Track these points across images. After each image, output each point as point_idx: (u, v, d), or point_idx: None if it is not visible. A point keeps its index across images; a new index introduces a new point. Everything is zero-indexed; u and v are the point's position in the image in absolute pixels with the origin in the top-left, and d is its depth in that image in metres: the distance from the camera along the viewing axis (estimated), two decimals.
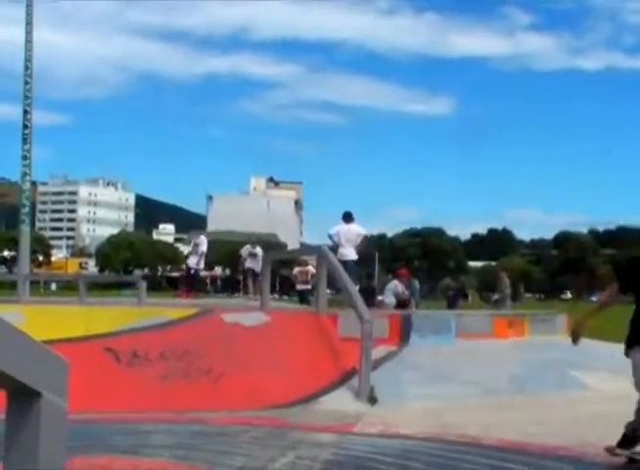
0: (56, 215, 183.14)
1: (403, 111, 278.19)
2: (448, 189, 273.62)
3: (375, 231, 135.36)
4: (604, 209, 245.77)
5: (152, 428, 6.69)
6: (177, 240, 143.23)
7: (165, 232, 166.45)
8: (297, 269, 24.00)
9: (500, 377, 9.17)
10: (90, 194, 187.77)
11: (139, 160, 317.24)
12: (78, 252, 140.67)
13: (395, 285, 21.88)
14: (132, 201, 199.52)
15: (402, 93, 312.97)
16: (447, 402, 8.10)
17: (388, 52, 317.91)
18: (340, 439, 6.34)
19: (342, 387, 8.43)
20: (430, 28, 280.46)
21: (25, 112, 24.96)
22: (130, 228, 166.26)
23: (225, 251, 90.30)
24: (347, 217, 15.95)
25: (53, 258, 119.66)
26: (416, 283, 27.05)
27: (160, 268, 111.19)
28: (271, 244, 73.36)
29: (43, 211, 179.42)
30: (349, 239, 15.46)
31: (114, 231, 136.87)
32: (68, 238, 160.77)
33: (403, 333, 10.18)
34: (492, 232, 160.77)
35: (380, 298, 22.15)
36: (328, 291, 11.68)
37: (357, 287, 13.18)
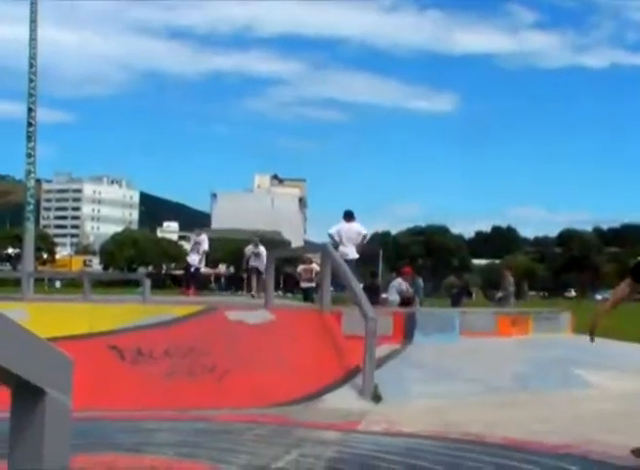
0: (60, 213, 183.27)
1: (407, 108, 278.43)
2: (452, 186, 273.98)
3: (379, 229, 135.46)
4: (608, 206, 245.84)
5: (156, 426, 6.69)
6: (181, 238, 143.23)
7: (170, 230, 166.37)
8: (301, 267, 24.01)
9: (504, 375, 9.17)
10: (94, 192, 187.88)
11: (143, 157, 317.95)
12: (82, 249, 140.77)
13: (399, 283, 21.87)
14: (136, 198, 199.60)
15: (405, 90, 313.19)
16: (451, 400, 8.10)
17: (391, 49, 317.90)
18: (344, 437, 6.34)
19: (346, 385, 8.43)
20: (433, 25, 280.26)
21: (30, 109, 24.98)
22: (134, 226, 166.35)
23: (229, 248, 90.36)
24: (348, 216, 15.92)
25: (57, 256, 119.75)
26: (420, 281, 27.05)
27: (164, 266, 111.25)
28: (275, 242, 73.38)
29: (47, 209, 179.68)
30: (350, 237, 15.44)
31: (119, 229, 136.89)
32: (73, 236, 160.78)
33: (407, 331, 10.18)
34: (496, 230, 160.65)
35: (384, 296, 22.14)
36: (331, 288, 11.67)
37: (361, 285, 13.18)
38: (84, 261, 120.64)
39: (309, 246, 30.53)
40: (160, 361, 8.49)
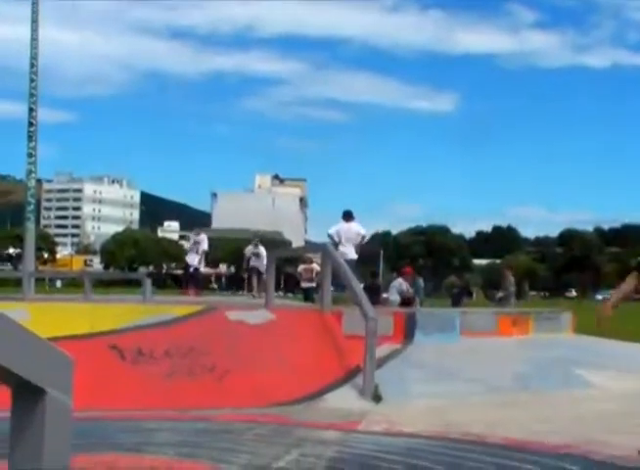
0: (61, 213, 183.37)
1: (407, 107, 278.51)
2: (453, 186, 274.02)
3: (379, 228, 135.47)
4: (609, 206, 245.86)
5: (156, 425, 6.69)
6: (182, 237, 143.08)
7: (170, 229, 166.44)
8: (301, 267, 24.02)
9: (504, 375, 9.17)
10: (95, 191, 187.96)
11: (144, 157, 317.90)
12: (83, 249, 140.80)
13: (400, 283, 21.89)
14: (137, 198, 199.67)
15: (406, 90, 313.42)
16: (452, 400, 8.10)
17: (392, 49, 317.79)
18: (344, 437, 6.34)
19: (347, 385, 8.43)
20: (434, 25, 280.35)
21: (31, 109, 25.00)
22: (135, 226, 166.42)
23: (230, 248, 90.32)
24: (347, 216, 15.96)
25: (58, 256, 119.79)
26: (420, 281, 27.07)
27: (164, 266, 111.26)
28: (276, 241, 73.35)
29: (48, 209, 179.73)
30: (349, 238, 15.47)
31: (119, 229, 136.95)
32: (73, 235, 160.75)
33: (408, 331, 10.18)
34: (497, 230, 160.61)
35: (384, 295, 22.16)
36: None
37: (362, 285, 13.18)
38: (85, 261, 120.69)
39: (310, 246, 30.51)
40: (160, 361, 8.49)
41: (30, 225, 25.58)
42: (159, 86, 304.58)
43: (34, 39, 24.93)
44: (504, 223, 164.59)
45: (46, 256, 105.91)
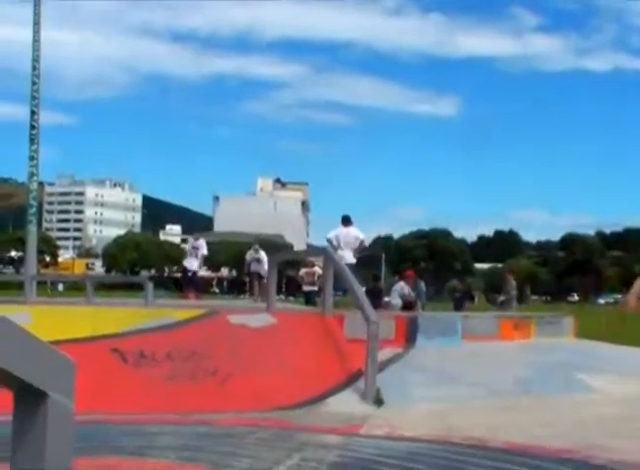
0: (63, 216, 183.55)
1: (409, 111, 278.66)
2: (454, 190, 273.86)
3: (381, 232, 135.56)
4: (611, 210, 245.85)
5: (158, 429, 6.70)
6: (184, 241, 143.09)
7: (172, 233, 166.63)
8: (303, 270, 24.02)
9: (506, 379, 9.17)
10: (97, 195, 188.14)
11: (146, 160, 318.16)
12: (85, 252, 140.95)
13: (402, 286, 21.91)
14: (139, 202, 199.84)
15: (408, 93, 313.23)
16: (453, 404, 8.09)
17: (394, 52, 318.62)
18: (346, 441, 6.34)
19: (349, 388, 8.43)
20: (436, 29, 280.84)
21: (33, 112, 25.02)
22: (137, 229, 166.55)
23: (232, 252, 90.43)
24: (346, 221, 16.12)
25: (60, 259, 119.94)
26: (422, 285, 27.06)
27: (166, 269, 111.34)
28: (277, 245, 73.38)
29: (50, 212, 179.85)
30: (348, 242, 15.58)
31: (121, 232, 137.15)
32: (75, 239, 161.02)
33: (409, 335, 10.18)
34: (499, 234, 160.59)
35: (386, 299, 22.17)
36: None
37: (364, 289, 13.19)
38: (87, 264, 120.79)
39: (312, 249, 30.51)
40: (162, 365, 8.49)
41: (32, 228, 25.59)
42: (160, 89, 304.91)
43: (36, 41, 24.94)
44: (506, 227, 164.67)
45: (48, 259, 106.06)
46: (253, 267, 23.03)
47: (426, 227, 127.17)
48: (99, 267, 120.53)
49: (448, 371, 9.28)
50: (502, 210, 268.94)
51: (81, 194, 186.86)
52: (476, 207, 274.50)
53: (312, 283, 22.47)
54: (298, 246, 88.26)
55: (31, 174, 25.26)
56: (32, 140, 24.92)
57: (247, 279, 27.60)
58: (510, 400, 8.38)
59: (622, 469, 5.31)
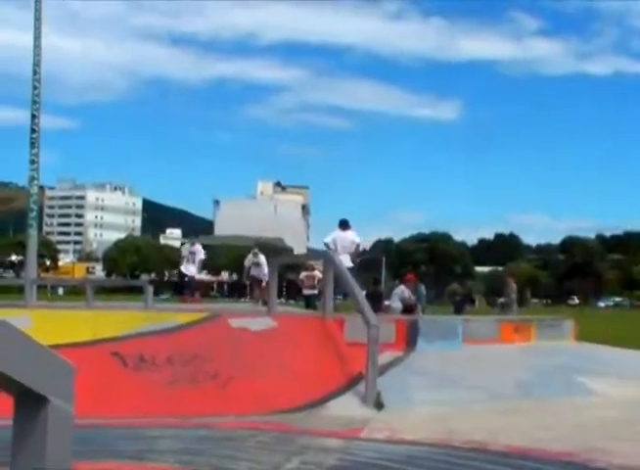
0: (63, 220, 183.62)
1: (410, 115, 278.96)
2: (455, 193, 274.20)
3: (382, 235, 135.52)
4: (611, 214, 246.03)
5: (158, 433, 6.69)
6: (184, 245, 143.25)
7: (172, 237, 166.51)
8: (303, 274, 24.04)
9: (507, 382, 9.16)
10: (97, 198, 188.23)
11: (146, 164, 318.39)
12: (85, 256, 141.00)
13: (402, 290, 21.91)
14: (139, 205, 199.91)
15: (409, 97, 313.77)
16: (454, 408, 8.09)
17: (395, 56, 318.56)
18: (346, 444, 6.33)
19: (349, 392, 8.42)
20: (437, 33, 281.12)
21: (33, 116, 25.05)
22: (137, 233, 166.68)
23: (232, 255, 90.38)
24: (343, 225, 16.17)
25: (60, 263, 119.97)
26: (422, 288, 27.08)
27: (166, 273, 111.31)
28: (278, 249, 73.35)
29: (51, 216, 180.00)
30: (344, 246, 15.63)
31: (122, 236, 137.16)
32: (76, 242, 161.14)
33: (410, 338, 10.17)
34: (499, 237, 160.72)
35: (387, 303, 22.17)
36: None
37: (364, 292, 13.20)
38: (87, 268, 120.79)
39: (312, 253, 30.51)
40: (162, 368, 8.49)
41: (33, 232, 25.62)
42: (161, 93, 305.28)
43: (37, 46, 24.99)
44: (506, 231, 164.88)
45: (48, 263, 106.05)
46: (253, 272, 23.02)
47: (426, 231, 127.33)
48: (99, 271, 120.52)
49: (449, 375, 9.28)
50: (502, 213, 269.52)
51: (82, 198, 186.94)
52: (476, 210, 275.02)
53: (312, 286, 22.47)
54: (299, 249, 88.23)
55: (32, 178, 25.30)
56: (33, 144, 24.96)
57: (247, 282, 27.60)
58: (510, 404, 8.38)
59: None
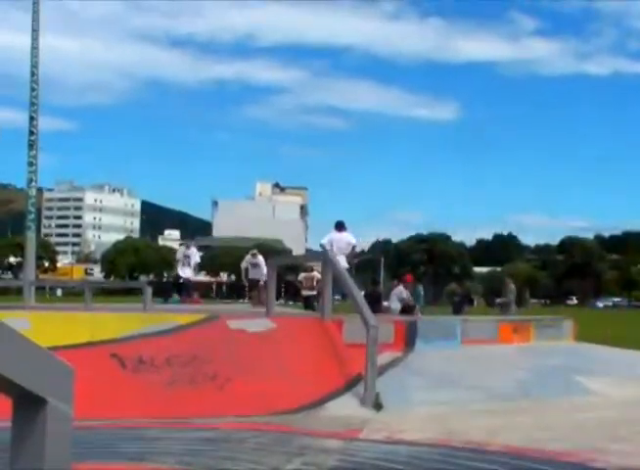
0: (62, 222, 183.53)
1: (408, 116, 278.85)
2: (453, 194, 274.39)
3: (380, 236, 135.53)
4: (610, 214, 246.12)
5: (157, 434, 6.69)
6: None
7: (171, 238, 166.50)
8: (302, 275, 24.02)
9: (506, 382, 9.17)
10: (96, 200, 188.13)
11: (145, 166, 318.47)
12: (84, 258, 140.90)
13: (400, 290, 21.93)
14: (138, 207, 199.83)
15: (407, 98, 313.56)
16: (453, 408, 8.09)
17: (393, 57, 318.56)
18: (345, 445, 6.33)
19: (348, 393, 8.42)
20: (435, 33, 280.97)
21: (32, 118, 25.05)
22: (136, 234, 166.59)
23: (231, 257, 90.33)
24: (339, 226, 16.23)
25: (58, 265, 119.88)
26: (420, 288, 27.11)
27: (165, 274, 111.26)
28: (276, 250, 73.34)
29: (49, 217, 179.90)
30: (340, 247, 15.64)
31: (120, 237, 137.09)
32: (74, 244, 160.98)
33: (409, 339, 10.17)
34: (498, 237, 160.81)
35: (385, 303, 22.17)
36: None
37: (363, 293, 13.21)
38: (85, 270, 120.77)
39: (310, 254, 30.52)
40: (161, 370, 8.49)
41: (31, 234, 25.61)
42: (159, 94, 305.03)
43: (35, 48, 24.99)
44: (505, 231, 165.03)
45: (47, 264, 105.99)
46: (251, 274, 22.97)
47: (425, 231, 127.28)
48: (98, 273, 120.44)
49: (448, 375, 9.28)
50: (501, 213, 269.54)
51: (80, 199, 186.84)
52: (475, 210, 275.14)
53: (311, 288, 22.45)
54: (297, 250, 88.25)
55: (30, 180, 25.29)
56: (31, 146, 24.96)
57: (246, 283, 27.57)
58: (509, 404, 8.38)
59: None
